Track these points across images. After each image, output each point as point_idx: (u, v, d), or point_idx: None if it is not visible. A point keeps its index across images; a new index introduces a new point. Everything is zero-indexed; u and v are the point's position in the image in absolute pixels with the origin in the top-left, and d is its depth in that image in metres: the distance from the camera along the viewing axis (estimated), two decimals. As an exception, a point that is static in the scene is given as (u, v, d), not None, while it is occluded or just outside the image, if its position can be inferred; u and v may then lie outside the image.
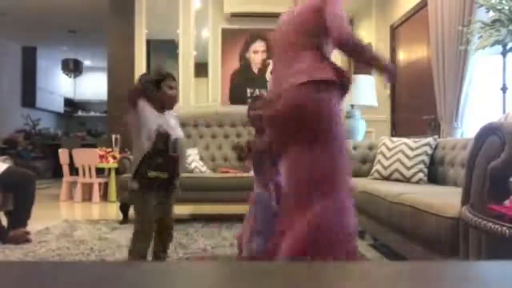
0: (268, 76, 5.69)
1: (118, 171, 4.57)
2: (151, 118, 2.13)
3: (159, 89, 2.16)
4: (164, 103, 2.21)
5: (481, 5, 2.92)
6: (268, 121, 1.98)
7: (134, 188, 2.12)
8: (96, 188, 5.39)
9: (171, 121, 2.24)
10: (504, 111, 2.94)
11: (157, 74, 2.21)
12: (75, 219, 4.07)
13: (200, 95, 5.88)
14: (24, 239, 3.00)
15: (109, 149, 5.58)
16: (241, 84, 5.71)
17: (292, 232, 1.76)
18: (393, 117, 5.50)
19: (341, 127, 1.86)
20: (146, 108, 2.12)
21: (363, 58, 1.90)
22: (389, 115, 5.54)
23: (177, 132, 2.25)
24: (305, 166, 1.79)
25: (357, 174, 3.55)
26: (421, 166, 2.97)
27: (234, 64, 5.73)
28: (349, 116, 4.27)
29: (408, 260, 2.20)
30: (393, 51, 5.47)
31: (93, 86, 11.33)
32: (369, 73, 3.69)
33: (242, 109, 5.08)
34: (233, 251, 2.81)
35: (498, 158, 1.54)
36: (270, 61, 5.67)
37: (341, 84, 1.83)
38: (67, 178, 5.67)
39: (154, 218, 2.17)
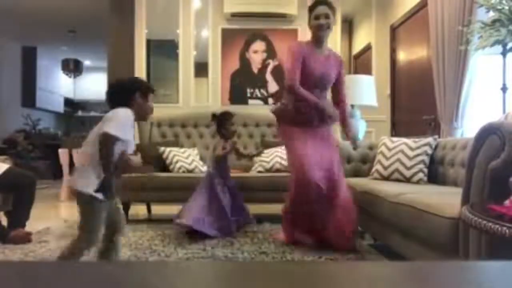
0: (268, 76, 5.69)
1: (118, 171, 4.56)
2: None
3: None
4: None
5: (481, 5, 2.92)
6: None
7: None
8: (96, 188, 5.38)
9: None
10: (504, 111, 2.94)
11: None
12: (75, 219, 4.06)
13: (200, 95, 5.88)
14: (26, 239, 3.00)
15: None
16: (241, 84, 5.70)
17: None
18: (393, 117, 5.50)
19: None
20: None
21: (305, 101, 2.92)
22: (389, 115, 5.54)
23: None
24: None
25: (357, 174, 3.55)
26: (421, 166, 2.97)
27: (234, 64, 5.72)
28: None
29: (408, 260, 2.20)
30: (393, 51, 5.47)
31: (93, 86, 11.33)
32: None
33: (242, 109, 5.10)
34: (232, 251, 2.81)
35: (498, 158, 1.54)
36: (270, 61, 5.67)
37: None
38: (67, 178, 5.67)
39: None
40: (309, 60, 2.94)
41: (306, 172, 2.80)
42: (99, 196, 1.91)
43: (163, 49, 6.56)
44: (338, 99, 3.15)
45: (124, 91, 2.06)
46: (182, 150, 4.28)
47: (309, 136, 2.93)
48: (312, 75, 2.94)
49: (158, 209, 4.59)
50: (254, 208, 3.69)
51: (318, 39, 2.98)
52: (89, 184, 1.91)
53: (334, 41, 5.78)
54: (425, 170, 2.97)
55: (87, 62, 10.45)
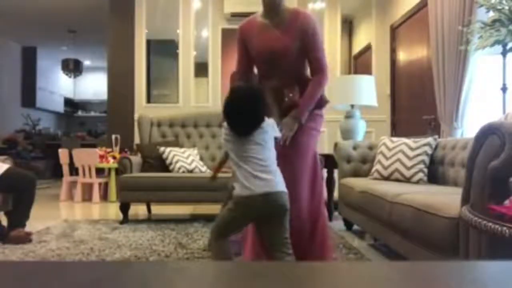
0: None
1: (118, 171, 4.57)
2: None
3: None
4: None
5: (481, 5, 2.92)
6: None
7: None
8: (96, 188, 5.39)
9: None
10: (504, 111, 2.94)
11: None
12: (75, 219, 4.07)
13: (200, 95, 5.88)
14: (26, 239, 3.00)
15: (109, 149, 5.59)
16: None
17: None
18: (393, 117, 5.50)
19: None
20: None
21: None
22: (389, 115, 5.54)
23: None
24: None
25: (357, 174, 3.55)
26: (421, 166, 2.97)
27: (234, 64, 5.73)
28: (349, 116, 4.27)
29: (408, 260, 2.20)
30: (393, 51, 5.47)
31: (93, 86, 11.35)
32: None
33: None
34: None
35: (498, 158, 1.54)
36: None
37: None
38: (67, 178, 5.67)
39: None
40: (254, 37, 2.32)
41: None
42: None
43: (163, 49, 6.56)
44: (312, 74, 2.30)
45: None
46: (182, 150, 4.28)
47: None
48: (260, 54, 2.32)
49: (158, 209, 4.59)
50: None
51: (265, 7, 2.27)
52: None
53: (334, 41, 5.78)
54: (425, 170, 2.97)
55: (87, 62, 10.46)
